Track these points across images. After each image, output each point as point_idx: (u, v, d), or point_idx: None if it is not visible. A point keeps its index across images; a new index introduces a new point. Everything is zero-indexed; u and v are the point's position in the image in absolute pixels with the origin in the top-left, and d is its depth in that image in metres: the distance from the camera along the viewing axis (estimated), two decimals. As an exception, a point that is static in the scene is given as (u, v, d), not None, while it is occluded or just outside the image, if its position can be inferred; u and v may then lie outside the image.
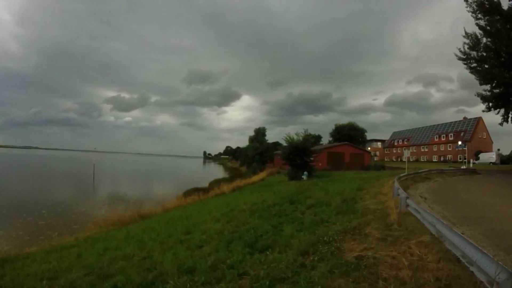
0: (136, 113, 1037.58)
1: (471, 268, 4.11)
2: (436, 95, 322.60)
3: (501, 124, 30.24)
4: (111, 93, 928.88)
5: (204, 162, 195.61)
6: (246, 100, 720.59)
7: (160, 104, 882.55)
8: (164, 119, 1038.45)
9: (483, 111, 31.52)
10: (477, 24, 27.03)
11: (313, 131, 78.84)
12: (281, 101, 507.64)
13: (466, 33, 28.57)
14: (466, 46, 28.75)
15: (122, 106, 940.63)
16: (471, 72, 29.20)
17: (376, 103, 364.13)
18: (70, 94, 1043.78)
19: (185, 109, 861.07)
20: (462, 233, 4.90)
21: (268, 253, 6.64)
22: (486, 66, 27.95)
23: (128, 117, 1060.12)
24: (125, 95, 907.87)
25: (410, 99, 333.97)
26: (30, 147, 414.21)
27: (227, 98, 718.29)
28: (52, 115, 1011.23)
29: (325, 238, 6.78)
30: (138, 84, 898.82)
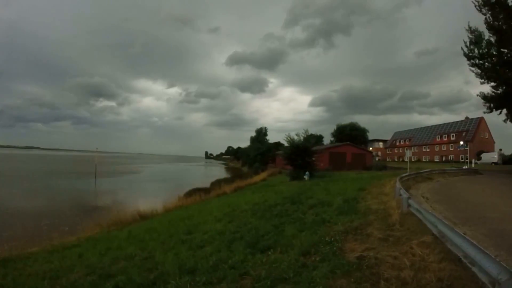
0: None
1: (473, 269, 4.10)
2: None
3: (505, 121, 29.94)
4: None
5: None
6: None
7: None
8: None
9: (484, 112, 31.28)
10: (485, 20, 26.60)
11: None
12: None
13: (469, 27, 28.17)
14: (469, 42, 28.35)
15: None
16: (473, 70, 28.83)
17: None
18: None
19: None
20: (464, 234, 4.88)
21: (269, 253, 6.63)
22: (489, 64, 27.66)
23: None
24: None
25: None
26: (32, 147, 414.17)
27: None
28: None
29: (326, 238, 6.77)
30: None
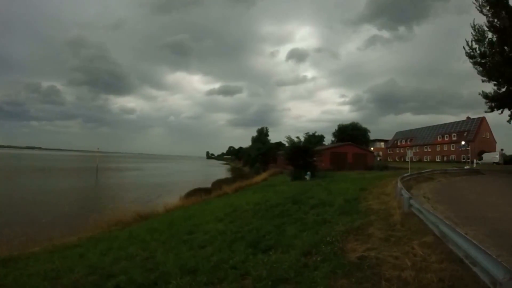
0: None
1: (475, 269, 4.09)
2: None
3: (509, 121, 29.81)
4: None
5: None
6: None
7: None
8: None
9: (486, 111, 31.19)
10: (488, 19, 26.50)
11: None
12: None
13: (474, 24, 27.98)
14: (472, 40, 28.21)
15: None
16: (476, 68, 28.69)
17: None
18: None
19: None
20: (466, 234, 4.87)
21: (271, 253, 6.63)
22: (491, 63, 27.54)
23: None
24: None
25: None
26: (33, 147, 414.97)
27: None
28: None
29: (328, 239, 6.76)
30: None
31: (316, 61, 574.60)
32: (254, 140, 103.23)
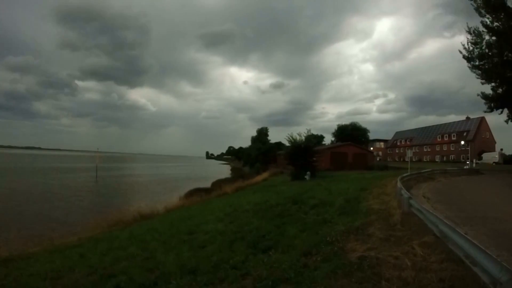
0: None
1: (475, 269, 4.09)
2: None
3: (506, 121, 29.94)
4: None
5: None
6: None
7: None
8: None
9: (485, 111, 31.31)
10: (482, 22, 26.72)
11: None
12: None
13: (469, 28, 28.13)
14: (469, 44, 28.36)
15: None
16: (473, 71, 28.81)
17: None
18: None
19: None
20: (466, 234, 4.87)
21: (271, 253, 6.65)
22: (489, 65, 27.65)
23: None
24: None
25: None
26: (32, 147, 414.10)
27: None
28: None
29: (328, 239, 6.77)
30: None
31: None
32: (254, 140, 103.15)
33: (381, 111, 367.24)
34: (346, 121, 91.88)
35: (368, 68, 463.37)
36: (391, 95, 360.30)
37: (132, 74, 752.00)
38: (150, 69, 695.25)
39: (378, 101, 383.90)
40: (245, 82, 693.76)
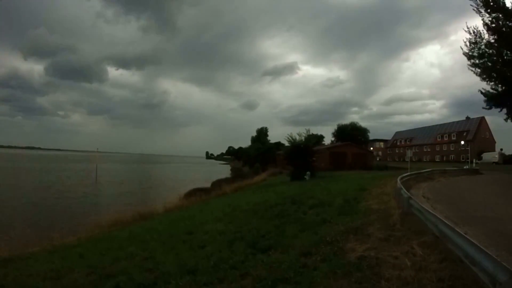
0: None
1: (474, 269, 4.09)
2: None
3: (506, 120, 30.01)
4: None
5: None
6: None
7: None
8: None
9: (484, 108, 31.42)
10: (483, 21, 26.76)
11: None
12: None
13: (467, 27, 28.24)
14: (468, 42, 28.45)
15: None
16: (473, 70, 28.90)
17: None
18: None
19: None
20: (465, 233, 4.88)
21: (270, 253, 6.64)
22: (489, 63, 27.74)
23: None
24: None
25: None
26: (32, 147, 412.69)
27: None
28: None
29: (327, 239, 6.76)
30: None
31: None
32: (254, 140, 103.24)
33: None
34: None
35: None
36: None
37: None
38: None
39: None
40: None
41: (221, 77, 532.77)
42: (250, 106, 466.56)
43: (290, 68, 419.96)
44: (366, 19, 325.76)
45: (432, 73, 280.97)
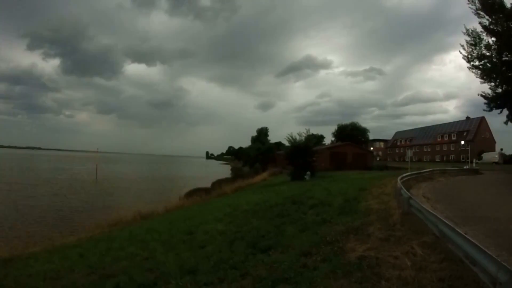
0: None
1: (474, 269, 4.09)
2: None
3: (505, 123, 30.07)
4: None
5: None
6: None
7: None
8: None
9: (484, 110, 31.44)
10: (480, 23, 26.93)
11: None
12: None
13: (466, 30, 28.35)
14: (467, 45, 28.56)
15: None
16: (473, 71, 29.00)
17: None
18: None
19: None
20: (465, 233, 4.87)
21: (270, 253, 6.64)
22: (488, 64, 27.81)
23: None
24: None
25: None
26: (33, 148, 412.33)
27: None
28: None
29: (327, 238, 6.77)
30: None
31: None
32: (254, 140, 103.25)
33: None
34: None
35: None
36: None
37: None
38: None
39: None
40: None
41: (248, 76, 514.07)
42: (267, 106, 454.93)
43: (320, 68, 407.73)
44: (410, 23, 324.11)
45: (457, 76, 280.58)
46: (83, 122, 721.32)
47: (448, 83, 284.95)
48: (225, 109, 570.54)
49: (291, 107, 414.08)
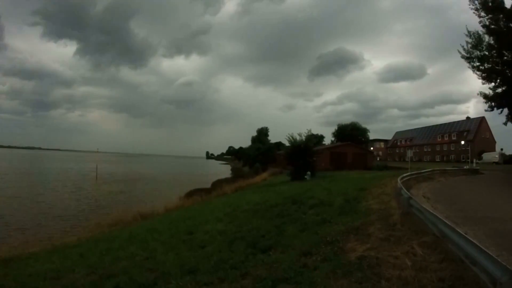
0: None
1: (474, 269, 4.09)
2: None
3: (505, 123, 30.14)
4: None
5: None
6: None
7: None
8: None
9: (486, 110, 31.54)
10: (480, 23, 26.99)
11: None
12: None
13: (468, 31, 28.45)
14: (469, 45, 28.67)
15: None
16: (474, 71, 29.11)
17: None
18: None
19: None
20: (465, 233, 4.87)
21: (270, 253, 6.64)
22: (489, 65, 27.88)
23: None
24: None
25: None
26: (33, 148, 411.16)
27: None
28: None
29: (327, 238, 6.76)
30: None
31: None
32: (254, 140, 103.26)
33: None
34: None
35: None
36: None
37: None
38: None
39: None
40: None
41: (287, 75, 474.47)
42: (290, 107, 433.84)
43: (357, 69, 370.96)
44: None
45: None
46: (92, 121, 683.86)
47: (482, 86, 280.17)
48: (249, 108, 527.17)
49: (315, 107, 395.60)
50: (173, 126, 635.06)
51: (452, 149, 74.15)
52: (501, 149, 63.62)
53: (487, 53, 27.82)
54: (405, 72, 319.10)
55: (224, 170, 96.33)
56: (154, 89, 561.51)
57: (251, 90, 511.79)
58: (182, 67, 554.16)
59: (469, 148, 52.99)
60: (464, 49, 28.99)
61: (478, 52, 28.31)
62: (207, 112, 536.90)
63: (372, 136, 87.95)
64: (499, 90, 28.53)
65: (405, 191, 9.79)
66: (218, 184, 38.03)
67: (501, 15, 25.60)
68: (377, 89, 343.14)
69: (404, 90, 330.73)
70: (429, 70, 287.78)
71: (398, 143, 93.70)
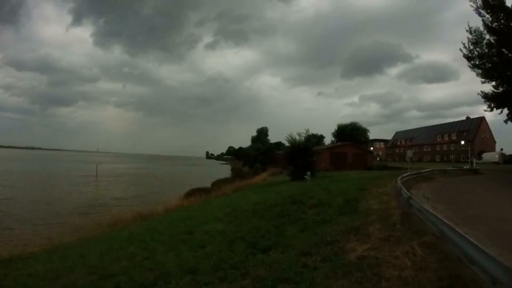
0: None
1: (474, 268, 4.08)
2: None
3: (505, 121, 30.06)
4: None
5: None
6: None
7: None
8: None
9: (485, 110, 31.51)
10: (483, 21, 26.90)
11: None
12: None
13: (469, 27, 28.34)
14: (469, 43, 28.56)
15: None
16: (474, 70, 29.01)
17: None
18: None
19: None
20: (465, 233, 4.87)
21: (270, 253, 6.65)
22: (489, 64, 27.81)
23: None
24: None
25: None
26: (33, 148, 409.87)
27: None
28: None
29: (327, 238, 6.77)
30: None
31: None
32: (254, 140, 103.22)
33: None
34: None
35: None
36: None
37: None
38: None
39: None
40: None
41: (323, 76, 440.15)
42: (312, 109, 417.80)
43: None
44: None
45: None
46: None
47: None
48: (273, 108, 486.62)
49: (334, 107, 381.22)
50: (184, 124, 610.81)
51: (452, 149, 74.13)
52: (501, 149, 63.70)
53: (487, 50, 27.74)
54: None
55: (224, 170, 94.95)
56: (180, 85, 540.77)
57: (285, 91, 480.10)
58: (221, 62, 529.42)
59: (469, 148, 52.92)
60: (465, 47, 28.88)
61: (479, 50, 28.20)
62: (227, 111, 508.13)
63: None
64: (499, 90, 28.52)
65: (405, 191, 9.79)
66: (218, 184, 37.98)
67: (502, 14, 25.56)
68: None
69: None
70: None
71: (398, 143, 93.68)
